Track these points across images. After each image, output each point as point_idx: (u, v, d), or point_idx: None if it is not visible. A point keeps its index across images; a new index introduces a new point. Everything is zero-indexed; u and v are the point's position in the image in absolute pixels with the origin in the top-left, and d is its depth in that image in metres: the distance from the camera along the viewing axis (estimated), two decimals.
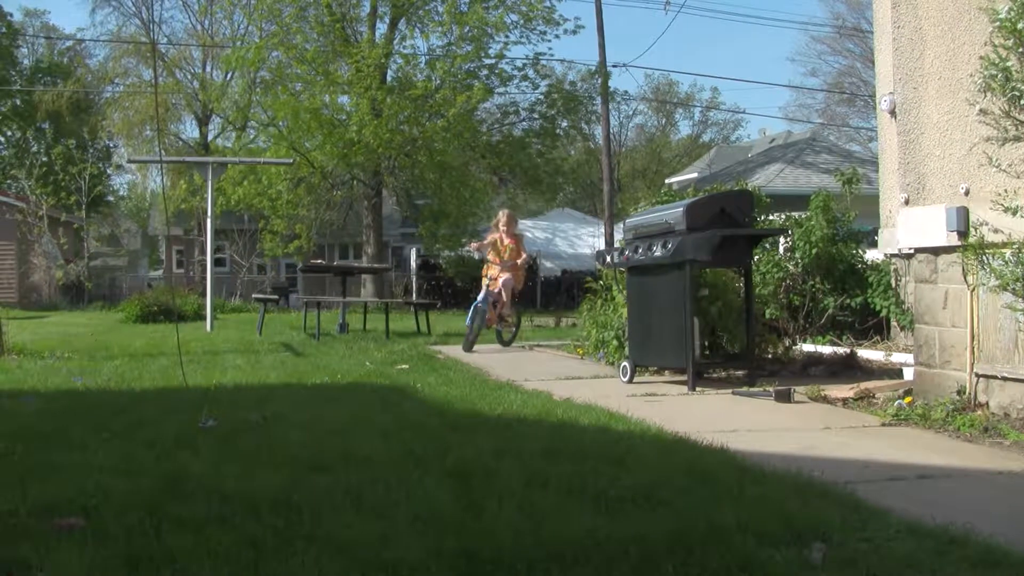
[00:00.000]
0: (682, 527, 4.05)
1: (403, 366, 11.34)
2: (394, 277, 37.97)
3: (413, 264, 38.18)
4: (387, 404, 8.05)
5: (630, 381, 9.62)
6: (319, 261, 33.73)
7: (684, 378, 9.27)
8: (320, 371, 10.62)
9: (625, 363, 9.89)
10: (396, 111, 30.38)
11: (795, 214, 13.00)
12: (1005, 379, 7.14)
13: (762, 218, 12.44)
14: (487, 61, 33.35)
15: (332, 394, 8.89)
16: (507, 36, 33.35)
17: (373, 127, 29.89)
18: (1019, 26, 5.70)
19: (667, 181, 38.99)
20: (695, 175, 40.77)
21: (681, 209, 9.63)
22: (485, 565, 3.64)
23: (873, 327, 12.06)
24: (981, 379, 7.35)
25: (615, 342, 11.15)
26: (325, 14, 32.45)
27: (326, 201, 35.42)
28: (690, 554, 3.73)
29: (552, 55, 35.77)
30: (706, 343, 10.05)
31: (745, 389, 8.93)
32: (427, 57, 33.26)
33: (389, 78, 32.95)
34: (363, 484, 4.86)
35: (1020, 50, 5.77)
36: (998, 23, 5.79)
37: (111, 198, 51.26)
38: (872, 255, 12.53)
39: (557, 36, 34.36)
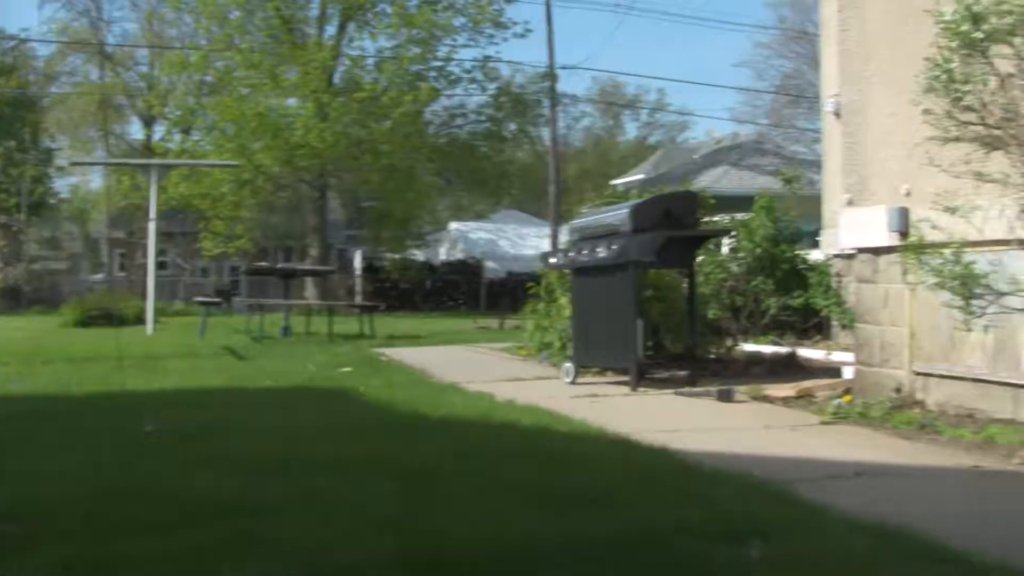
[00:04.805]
0: (624, 527, 4.04)
1: (346, 369, 11.26)
2: (338, 280, 37.76)
3: (357, 266, 38.02)
4: (330, 408, 7.99)
5: (573, 382, 9.61)
6: (263, 264, 33.51)
7: (627, 379, 9.27)
8: (262, 375, 10.52)
9: (568, 364, 9.88)
10: (343, 113, 30.25)
11: (740, 215, 13.06)
12: (942, 377, 7.22)
13: (707, 219, 12.48)
14: (435, 63, 33.35)
15: (275, 398, 8.81)
16: (455, 39, 33.37)
17: (319, 130, 29.73)
18: (963, 28, 5.75)
19: (613, 183, 39.08)
20: (641, 176, 40.88)
21: (626, 211, 9.65)
22: (429, 567, 3.61)
23: (814, 327, 12.16)
24: (919, 377, 7.42)
25: (558, 343, 11.15)
26: (273, 16, 32.23)
27: (270, 203, 35.20)
28: (632, 553, 3.72)
29: (501, 57, 35.56)
30: (649, 343, 10.06)
31: (687, 389, 8.94)
32: (375, 59, 33.16)
33: (336, 80, 32.80)
34: (307, 488, 4.81)
35: (964, 52, 5.83)
36: (943, 25, 5.85)
37: (53, 201, 50.45)
38: (815, 255, 12.61)
39: (506, 39, 34.38)
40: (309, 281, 31.91)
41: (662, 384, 9.40)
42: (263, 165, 32.02)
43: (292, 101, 32.60)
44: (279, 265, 30.53)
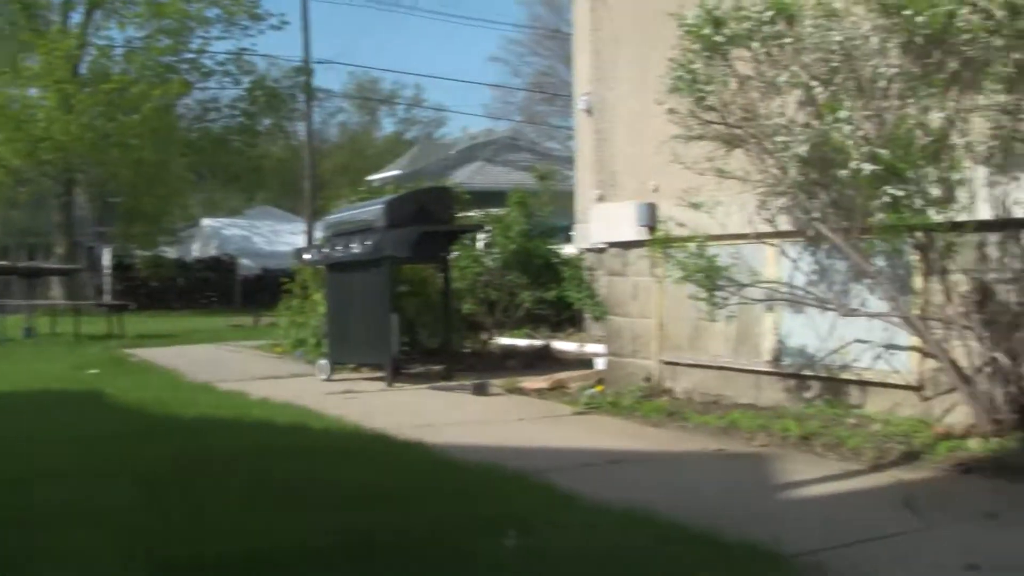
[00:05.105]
0: (380, 523, 4.01)
1: (94, 371, 10.79)
2: (86, 278, 36.22)
3: (106, 264, 36.56)
4: (77, 411, 7.64)
5: (329, 379, 9.50)
6: (4, 263, 31.80)
7: (383, 375, 9.24)
8: (2, 379, 9.96)
9: (323, 361, 9.77)
10: (89, 105, 28.97)
11: (495, 210, 13.18)
12: (689, 366, 7.49)
13: (462, 214, 12.55)
14: (187, 55, 32.35)
15: (16, 403, 8.36)
16: (208, 31, 32.45)
17: (63, 122, 28.39)
18: (704, 32, 5.96)
19: (369, 178, 38.94)
20: (398, 172, 40.84)
21: (381, 206, 9.61)
22: (181, 570, 3.50)
23: (568, 320, 12.42)
24: (668, 367, 7.68)
25: (313, 340, 11.01)
26: (12, 1, 30.57)
27: (11, 199, 33.44)
28: (389, 550, 3.70)
29: (256, 51, 34.79)
30: (405, 339, 10.05)
31: (443, 383, 8.98)
32: (124, 49, 31.91)
33: (83, 70, 31.39)
34: (51, 496, 4.57)
35: (706, 54, 6.04)
36: (686, 28, 6.05)
37: None
38: (568, 250, 12.86)
39: (261, 32, 33.64)
40: (55, 280, 30.47)
41: (418, 379, 9.41)
42: (3, 158, 30.34)
43: (34, 91, 31.02)
44: (21, 264, 29.03)
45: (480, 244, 12.84)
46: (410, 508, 4.27)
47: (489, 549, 3.70)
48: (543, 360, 10.58)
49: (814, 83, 5.69)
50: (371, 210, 9.76)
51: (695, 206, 6.70)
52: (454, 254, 10.91)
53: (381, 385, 9.07)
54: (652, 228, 7.56)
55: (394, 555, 3.66)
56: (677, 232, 6.94)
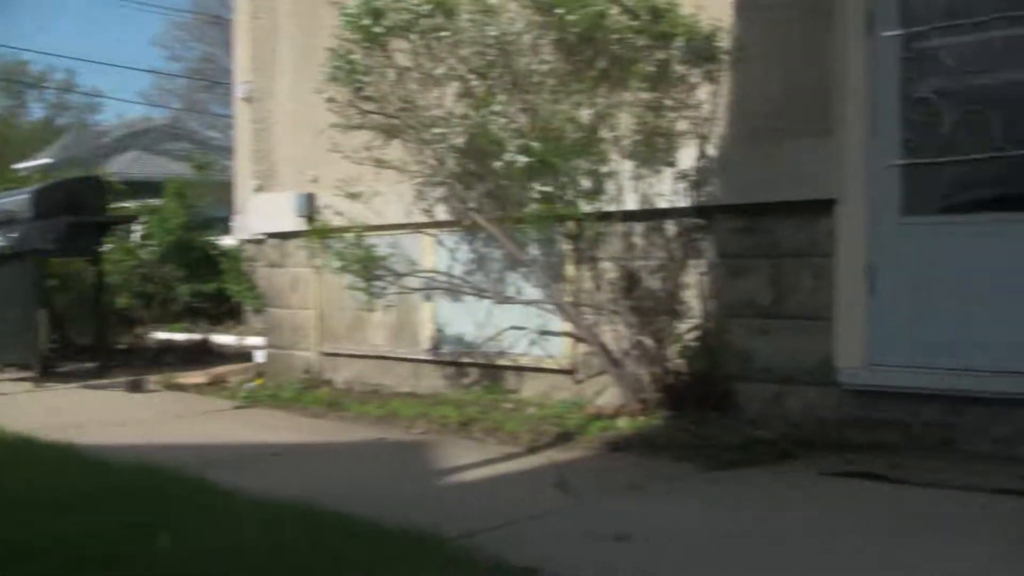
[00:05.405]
0: (30, 531, 3.78)
1: None
2: None
3: None
4: None
5: None
6: None
7: (31, 374, 8.74)
8: None
9: None
10: None
11: (152, 201, 12.77)
12: (350, 356, 7.51)
13: (117, 205, 12.06)
14: None
15: None
16: None
17: None
18: (364, 22, 5.95)
19: (16, 167, 36.72)
20: (49, 160, 38.72)
21: (27, 196, 9.12)
22: None
23: (228, 313, 12.17)
24: (328, 358, 7.67)
25: None
26: None
27: None
28: (29, 560, 3.49)
29: None
30: (54, 336, 9.57)
31: (96, 381, 8.59)
32: None
33: None
34: None
35: (365, 45, 6.03)
36: (346, 18, 6.02)
37: None
38: (227, 241, 12.60)
39: None
40: None
41: (70, 378, 8.94)
42: None
43: None
44: None
45: (136, 236, 12.41)
46: (63, 514, 4.04)
47: (145, 551, 3.55)
48: (202, 354, 10.31)
49: (471, 76, 5.80)
50: (16, 200, 9.23)
51: (354, 196, 6.71)
52: (108, 247, 10.47)
53: (29, 385, 8.57)
54: (311, 218, 7.53)
55: (48, 563, 3.45)
56: (336, 222, 6.92)
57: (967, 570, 3.31)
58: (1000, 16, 4.93)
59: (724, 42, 5.58)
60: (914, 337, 5.12)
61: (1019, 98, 4.90)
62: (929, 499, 4.21)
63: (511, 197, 5.79)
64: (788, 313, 5.49)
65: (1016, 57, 4.91)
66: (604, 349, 5.90)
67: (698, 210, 5.75)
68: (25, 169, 31.91)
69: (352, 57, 6.08)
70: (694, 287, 5.86)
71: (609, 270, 6.05)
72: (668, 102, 5.66)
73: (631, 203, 5.80)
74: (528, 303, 6.22)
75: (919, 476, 4.47)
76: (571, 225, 5.90)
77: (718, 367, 5.71)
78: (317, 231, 7.03)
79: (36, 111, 66.63)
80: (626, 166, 5.77)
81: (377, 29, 5.97)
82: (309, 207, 7.59)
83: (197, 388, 8.10)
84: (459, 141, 5.80)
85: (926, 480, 4.42)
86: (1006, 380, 4.80)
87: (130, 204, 12.90)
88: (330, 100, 6.20)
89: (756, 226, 5.61)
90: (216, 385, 8.14)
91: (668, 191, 5.75)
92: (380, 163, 6.30)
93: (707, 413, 5.52)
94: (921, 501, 4.18)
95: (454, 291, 6.69)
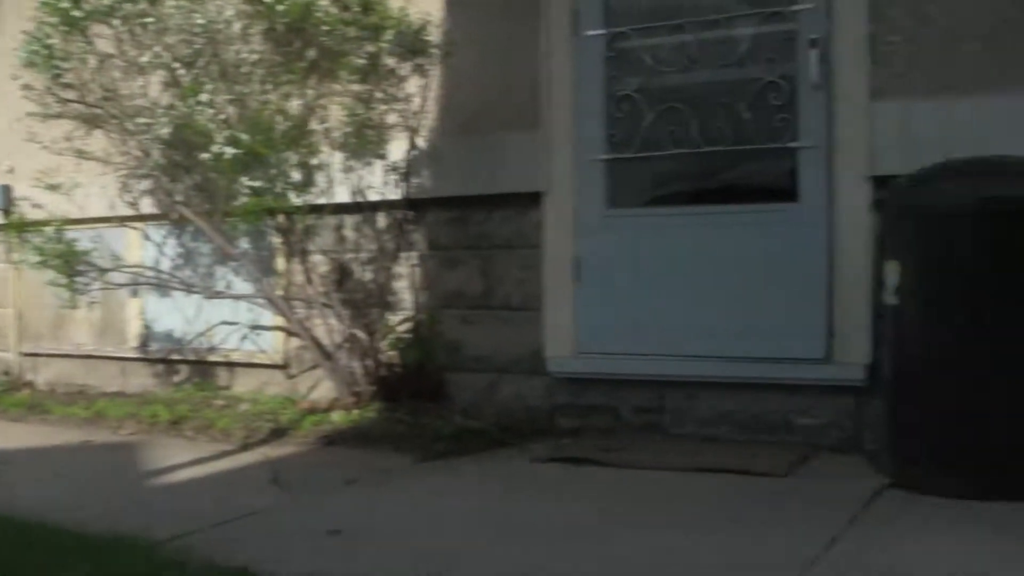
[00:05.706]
0: None
1: None
2: None
3: None
4: None
5: None
6: None
7: None
8: None
9: None
10: None
11: None
12: (52, 356, 7.22)
13: None
14: None
15: None
16: None
17: None
18: (62, 5, 5.70)
19: None
20: None
21: None
22: None
23: None
24: (28, 358, 7.36)
25: None
26: None
27: None
28: None
29: None
30: None
31: None
32: None
33: None
34: None
35: (64, 29, 5.79)
36: (43, 0, 5.77)
37: None
38: None
39: None
40: None
41: None
42: None
43: None
44: None
45: None
46: None
47: None
48: None
49: (177, 65, 5.64)
50: None
51: (53, 188, 6.43)
52: None
53: None
54: (7, 211, 7.19)
55: None
56: (35, 215, 6.62)
57: (680, 541, 3.48)
58: (693, 20, 5.21)
59: (434, 36, 5.65)
60: (620, 325, 5.31)
61: (712, 98, 5.16)
62: (635, 479, 4.40)
63: (220, 190, 5.68)
64: (498, 304, 5.63)
65: (708, 59, 5.19)
66: (316, 343, 5.88)
67: (410, 202, 5.80)
68: None
69: (50, 42, 5.83)
70: (406, 279, 5.92)
71: (321, 263, 6.03)
72: (379, 95, 5.67)
73: (342, 196, 5.80)
74: (239, 298, 6.14)
75: (626, 458, 4.68)
76: (281, 218, 5.85)
77: (431, 358, 5.78)
78: (14, 225, 6.69)
79: None
80: (337, 158, 5.75)
81: (77, 13, 5.74)
82: (5, 199, 7.25)
83: None
84: (165, 132, 5.62)
85: (632, 461, 4.63)
86: (702, 364, 5.06)
87: None
88: (26, 87, 5.93)
89: (467, 218, 5.72)
90: None
91: (379, 183, 5.77)
92: (81, 154, 6.07)
93: (422, 404, 5.57)
94: (628, 482, 4.37)
95: (162, 286, 6.52)
